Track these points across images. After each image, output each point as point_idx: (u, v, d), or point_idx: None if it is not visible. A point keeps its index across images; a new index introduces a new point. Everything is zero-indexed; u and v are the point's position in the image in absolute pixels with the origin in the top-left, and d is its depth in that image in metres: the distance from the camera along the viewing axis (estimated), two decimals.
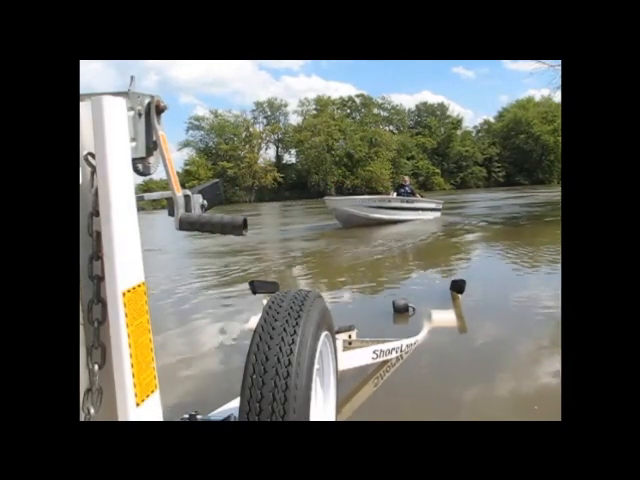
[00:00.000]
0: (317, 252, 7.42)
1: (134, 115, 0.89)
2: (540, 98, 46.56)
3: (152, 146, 0.95)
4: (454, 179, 45.07)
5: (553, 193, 19.95)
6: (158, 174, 1.02)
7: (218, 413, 1.59)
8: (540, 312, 3.24)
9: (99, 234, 0.74)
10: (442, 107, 48.36)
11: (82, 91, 0.76)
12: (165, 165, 0.95)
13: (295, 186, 42.18)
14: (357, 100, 46.84)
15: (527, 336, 2.80)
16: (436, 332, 2.84)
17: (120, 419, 0.74)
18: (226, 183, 37.34)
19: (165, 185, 0.98)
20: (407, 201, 11.07)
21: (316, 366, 1.15)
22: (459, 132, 47.90)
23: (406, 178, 12.85)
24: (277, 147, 46.08)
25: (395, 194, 11.46)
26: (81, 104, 0.74)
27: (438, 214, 11.87)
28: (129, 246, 0.76)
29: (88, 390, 0.74)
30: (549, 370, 2.26)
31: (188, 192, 1.02)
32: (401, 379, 2.27)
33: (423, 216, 11.18)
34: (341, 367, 1.71)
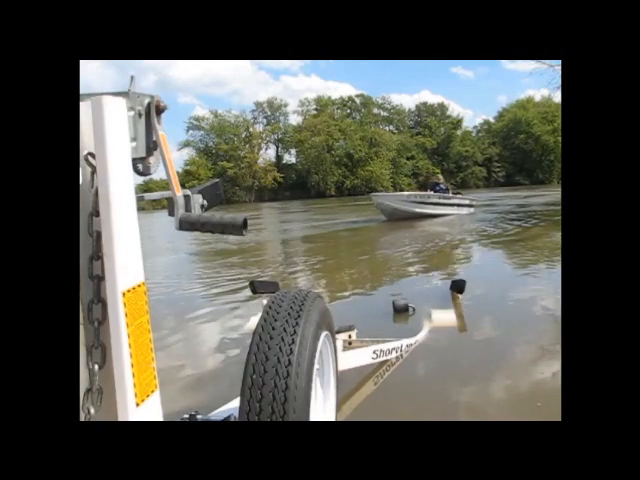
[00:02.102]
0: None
1: (134, 115, 0.89)
2: (540, 98, 46.70)
3: (152, 146, 0.95)
4: (454, 179, 45.07)
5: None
6: (158, 174, 1.02)
7: (218, 413, 1.59)
8: None
9: (99, 234, 0.74)
10: (442, 107, 48.39)
11: (82, 91, 0.76)
12: (165, 165, 0.95)
13: (295, 186, 42.20)
14: (357, 100, 46.89)
15: None
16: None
17: (120, 419, 0.74)
18: (226, 183, 37.37)
19: (165, 185, 0.99)
20: (444, 197, 12.02)
21: (316, 366, 1.15)
22: (459, 132, 47.92)
23: (440, 177, 13.85)
24: (277, 147, 46.15)
25: (432, 192, 12.22)
26: (81, 104, 0.74)
27: (472, 210, 12.88)
28: (129, 246, 0.76)
29: (88, 390, 0.75)
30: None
31: (188, 192, 1.02)
32: (401, 378, 2.27)
33: (459, 211, 12.26)
34: (341, 367, 1.71)
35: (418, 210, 11.14)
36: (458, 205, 12.48)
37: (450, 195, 12.51)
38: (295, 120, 46.25)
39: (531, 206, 14.90)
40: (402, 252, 6.61)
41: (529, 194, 22.62)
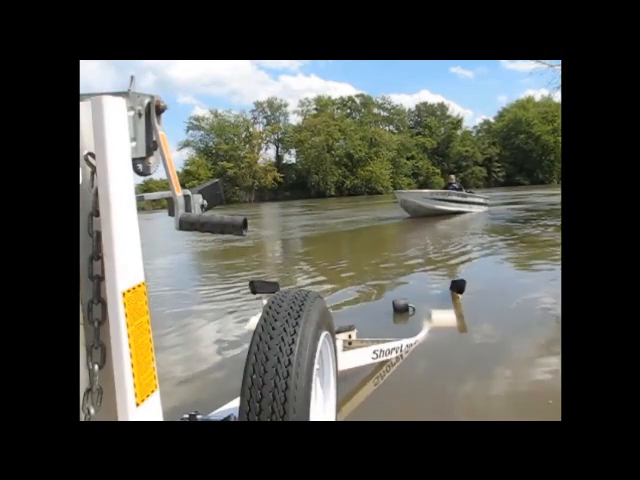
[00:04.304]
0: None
1: (134, 115, 0.89)
2: (540, 98, 46.70)
3: (152, 146, 0.95)
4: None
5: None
6: (158, 174, 1.02)
7: (218, 413, 1.59)
8: None
9: (99, 234, 0.74)
10: (442, 107, 48.38)
11: (82, 91, 0.76)
12: (165, 165, 0.95)
13: (295, 186, 42.20)
14: (357, 100, 46.87)
15: None
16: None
17: (120, 419, 0.74)
18: (226, 183, 37.34)
19: (165, 185, 0.99)
20: (462, 195, 12.68)
21: (316, 366, 1.15)
22: (459, 132, 47.90)
23: (452, 177, 14.44)
24: (277, 147, 46.14)
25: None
26: (81, 104, 0.74)
27: (486, 208, 13.32)
28: (129, 246, 0.76)
29: (88, 390, 0.75)
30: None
31: (188, 192, 1.02)
32: (401, 378, 2.27)
33: (476, 209, 12.80)
34: (341, 367, 1.71)
35: (439, 207, 11.62)
36: (474, 203, 12.97)
37: (467, 193, 13.11)
38: (295, 120, 46.31)
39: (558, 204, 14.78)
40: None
41: (551, 192, 22.03)
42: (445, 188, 13.11)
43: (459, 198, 12.33)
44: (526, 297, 3.67)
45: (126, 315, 0.74)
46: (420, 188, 30.86)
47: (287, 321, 1.09)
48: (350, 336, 2.52)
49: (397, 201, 12.10)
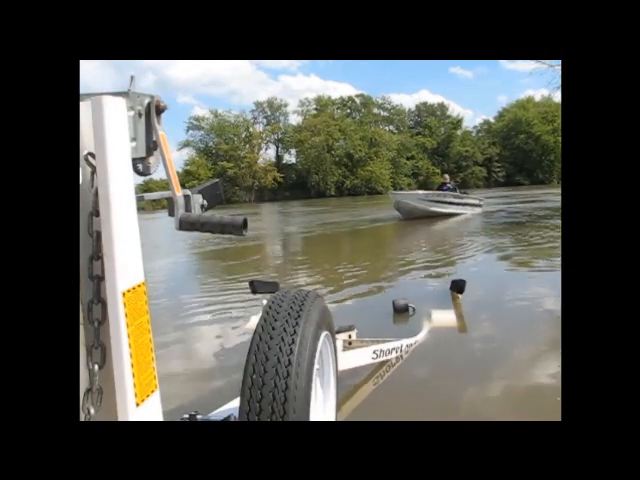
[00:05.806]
0: None
1: (134, 115, 0.89)
2: (540, 98, 46.67)
3: (152, 146, 0.95)
4: (454, 179, 44.93)
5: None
6: (158, 174, 1.02)
7: (218, 413, 1.60)
8: None
9: (99, 234, 0.74)
10: (442, 107, 48.30)
11: (81, 91, 0.76)
12: (165, 165, 0.95)
13: (295, 186, 42.16)
14: (357, 100, 46.82)
15: None
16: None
17: (120, 419, 0.74)
18: (226, 183, 37.28)
19: (165, 185, 0.99)
20: (458, 197, 12.43)
21: (316, 366, 1.15)
22: (459, 132, 47.85)
23: (446, 176, 14.22)
24: (277, 147, 46.07)
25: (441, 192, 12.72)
26: (81, 104, 0.74)
27: (480, 209, 13.11)
28: (129, 246, 0.76)
29: (88, 390, 0.75)
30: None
31: (188, 192, 1.02)
32: (401, 378, 2.27)
33: (471, 211, 12.61)
34: (341, 367, 1.71)
35: (434, 209, 11.40)
36: (469, 205, 12.75)
37: (462, 195, 12.85)
38: (295, 120, 46.16)
39: None
40: None
41: (552, 191, 21.83)
42: (439, 188, 12.86)
43: (454, 199, 12.07)
44: None
45: (126, 315, 0.74)
46: (420, 188, 30.74)
47: (287, 321, 1.09)
48: (350, 336, 2.52)
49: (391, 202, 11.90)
